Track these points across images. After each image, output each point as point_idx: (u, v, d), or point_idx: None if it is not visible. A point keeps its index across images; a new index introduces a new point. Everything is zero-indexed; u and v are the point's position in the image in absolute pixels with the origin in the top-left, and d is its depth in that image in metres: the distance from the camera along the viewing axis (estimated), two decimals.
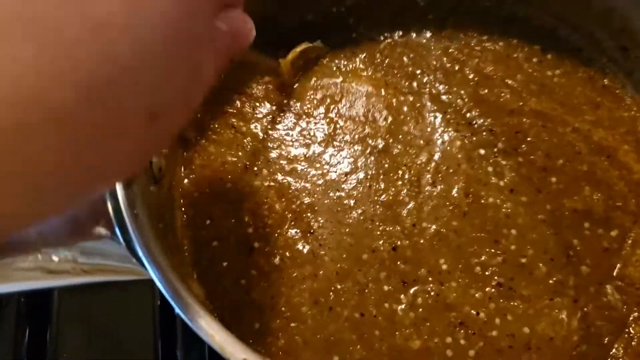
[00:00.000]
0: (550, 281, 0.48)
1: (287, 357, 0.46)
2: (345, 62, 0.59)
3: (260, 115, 0.56)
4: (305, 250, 0.50)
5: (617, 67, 0.56)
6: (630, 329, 0.47)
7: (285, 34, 0.59)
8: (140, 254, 0.37)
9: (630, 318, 0.47)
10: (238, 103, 0.57)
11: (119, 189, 0.38)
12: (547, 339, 0.46)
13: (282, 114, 0.56)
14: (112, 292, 0.60)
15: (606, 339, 0.46)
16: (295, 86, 0.57)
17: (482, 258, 0.49)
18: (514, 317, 0.47)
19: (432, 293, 0.48)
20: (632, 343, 0.46)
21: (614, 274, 0.48)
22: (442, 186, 0.52)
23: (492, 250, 0.49)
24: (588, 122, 0.54)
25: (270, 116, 0.56)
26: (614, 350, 0.46)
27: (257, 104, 0.57)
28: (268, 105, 0.57)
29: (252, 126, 0.56)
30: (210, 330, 0.36)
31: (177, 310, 0.36)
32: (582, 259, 0.49)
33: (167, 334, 0.60)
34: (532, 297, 0.48)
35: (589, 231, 0.50)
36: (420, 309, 0.47)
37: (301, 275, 0.49)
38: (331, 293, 0.48)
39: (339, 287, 0.49)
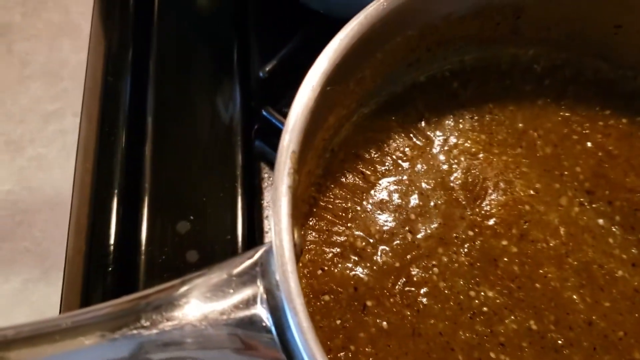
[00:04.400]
0: None
1: None
2: (453, 124, 0.56)
3: (389, 173, 0.53)
4: (407, 323, 0.48)
5: None
6: None
7: (399, 94, 0.57)
8: (303, 354, 0.34)
9: None
10: (374, 153, 0.54)
11: (286, 284, 0.35)
12: None
13: (408, 177, 0.54)
14: None
15: None
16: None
17: (631, 340, 0.47)
18: None
19: None
20: None
21: None
22: (575, 255, 0.50)
23: (638, 332, 0.47)
24: None
25: (399, 176, 0.54)
26: None
27: (391, 163, 0.54)
28: (400, 169, 0.54)
29: (379, 179, 0.53)
30: None
31: None
32: None
33: None
34: None
35: None
36: None
37: (404, 349, 0.47)
38: None
39: None
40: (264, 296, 0.37)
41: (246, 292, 0.37)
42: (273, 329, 0.37)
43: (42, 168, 0.66)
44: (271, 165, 0.70)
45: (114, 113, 0.73)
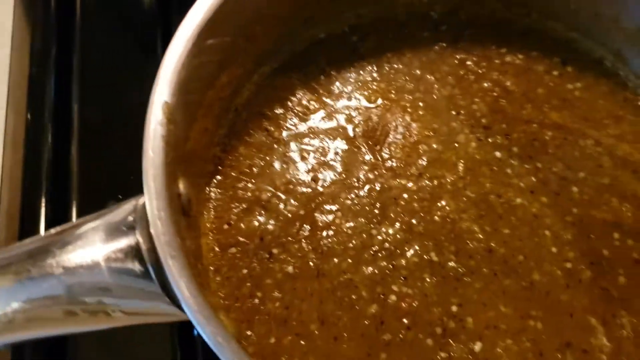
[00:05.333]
0: (596, 290, 0.48)
1: None
2: (354, 76, 0.57)
3: (293, 128, 0.55)
4: (312, 265, 0.49)
5: None
6: None
7: (299, 52, 0.58)
8: (177, 295, 0.36)
9: None
10: (277, 110, 0.55)
11: (155, 229, 0.36)
12: (596, 354, 0.46)
13: (311, 130, 0.55)
14: None
15: None
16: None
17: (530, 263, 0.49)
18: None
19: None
20: None
21: None
22: (472, 188, 0.51)
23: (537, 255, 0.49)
24: (611, 136, 0.54)
25: (303, 130, 0.55)
26: None
27: (295, 118, 0.55)
28: (304, 123, 0.55)
29: (283, 135, 0.54)
30: None
31: (219, 355, 0.35)
32: (615, 269, 0.48)
33: (187, 356, 0.59)
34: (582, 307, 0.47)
35: (618, 242, 0.49)
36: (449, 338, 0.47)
37: (309, 290, 0.48)
38: (336, 320, 0.47)
39: (345, 317, 0.47)
40: (141, 243, 0.38)
41: (124, 239, 0.38)
42: (152, 272, 0.38)
43: None
44: None
45: (40, 103, 0.73)
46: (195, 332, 0.60)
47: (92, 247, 0.37)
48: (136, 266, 0.37)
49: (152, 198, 0.37)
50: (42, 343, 0.60)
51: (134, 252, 0.37)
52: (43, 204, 0.68)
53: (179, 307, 0.37)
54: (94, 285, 0.37)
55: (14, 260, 0.36)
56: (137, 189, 0.70)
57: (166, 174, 0.39)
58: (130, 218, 0.38)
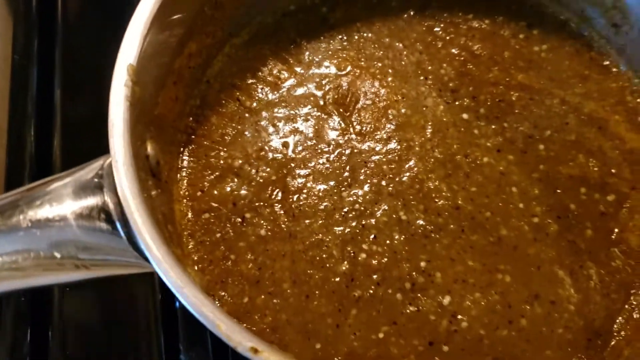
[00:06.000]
0: (563, 243, 0.49)
1: (274, 334, 0.46)
2: (324, 46, 0.58)
3: (264, 97, 0.56)
4: (284, 227, 0.50)
5: (609, 43, 0.56)
6: (632, 299, 0.48)
7: (270, 24, 0.59)
8: (142, 246, 0.37)
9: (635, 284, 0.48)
10: (249, 80, 0.56)
11: (120, 183, 0.37)
12: (564, 304, 0.47)
13: (282, 99, 0.56)
14: (112, 289, 0.60)
15: (616, 306, 0.47)
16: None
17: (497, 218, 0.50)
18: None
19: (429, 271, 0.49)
20: (634, 315, 0.47)
21: (613, 237, 0.49)
22: (440, 149, 0.52)
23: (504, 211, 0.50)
24: (577, 94, 0.55)
25: (274, 98, 0.56)
26: (619, 319, 0.47)
27: (266, 88, 0.56)
28: (275, 92, 0.56)
29: (254, 104, 0.55)
30: (217, 320, 0.36)
31: (182, 301, 0.36)
32: (582, 222, 0.49)
33: (169, 328, 0.60)
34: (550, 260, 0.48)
35: (585, 196, 0.50)
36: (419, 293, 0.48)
37: (281, 251, 0.49)
38: (307, 278, 0.48)
39: (316, 276, 0.48)
40: (108, 199, 0.39)
41: (91, 196, 0.39)
42: (119, 227, 0.39)
43: None
44: None
45: (23, 92, 0.75)
46: (177, 305, 0.61)
47: (60, 203, 0.38)
48: (104, 222, 0.38)
49: (116, 154, 0.38)
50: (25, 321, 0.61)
51: (102, 208, 0.38)
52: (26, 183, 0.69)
53: (147, 259, 0.38)
54: (63, 240, 0.38)
55: None
56: None
57: (131, 133, 0.40)
58: (98, 175, 0.39)
